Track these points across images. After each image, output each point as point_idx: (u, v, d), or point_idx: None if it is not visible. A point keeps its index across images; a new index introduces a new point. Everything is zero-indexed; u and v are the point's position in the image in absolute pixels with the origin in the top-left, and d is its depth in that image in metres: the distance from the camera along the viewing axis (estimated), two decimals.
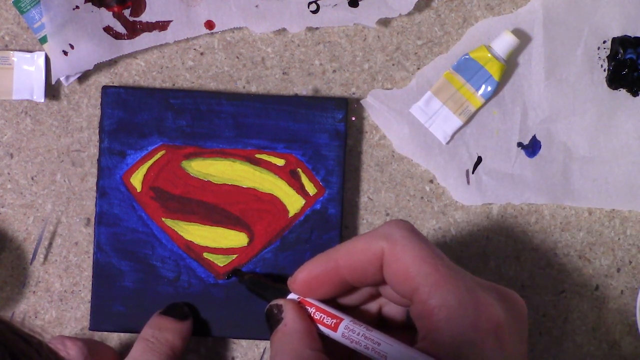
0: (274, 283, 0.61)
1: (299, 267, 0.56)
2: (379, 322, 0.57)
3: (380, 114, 0.75)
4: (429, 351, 0.50)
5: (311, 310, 0.55)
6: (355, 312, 0.57)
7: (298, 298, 0.56)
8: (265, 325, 0.72)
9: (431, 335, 0.50)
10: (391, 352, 0.51)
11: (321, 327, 0.55)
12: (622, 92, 0.75)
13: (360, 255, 0.53)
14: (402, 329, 0.56)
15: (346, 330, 0.53)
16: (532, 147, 0.75)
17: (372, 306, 0.57)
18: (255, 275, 0.69)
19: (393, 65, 0.75)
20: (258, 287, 0.63)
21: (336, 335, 0.54)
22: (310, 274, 0.55)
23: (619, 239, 0.76)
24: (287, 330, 0.54)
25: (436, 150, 0.75)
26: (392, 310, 0.57)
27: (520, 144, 0.75)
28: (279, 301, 0.56)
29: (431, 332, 0.50)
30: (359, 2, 0.73)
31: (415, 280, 0.51)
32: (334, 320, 0.54)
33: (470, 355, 0.49)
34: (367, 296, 0.57)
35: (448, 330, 0.49)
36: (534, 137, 0.75)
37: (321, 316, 0.55)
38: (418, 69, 0.75)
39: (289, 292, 0.57)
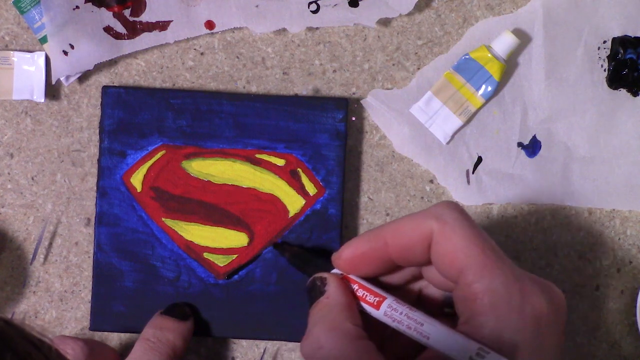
0: (316, 258, 0.61)
1: (345, 243, 0.56)
2: (417, 305, 0.57)
3: (380, 114, 0.75)
4: (470, 335, 0.50)
5: (354, 287, 0.55)
6: (395, 292, 0.56)
7: (341, 274, 0.56)
8: (266, 326, 0.73)
9: (474, 319, 0.50)
10: (434, 333, 0.51)
11: (363, 305, 0.55)
12: (622, 92, 0.75)
13: (409, 233, 0.53)
14: (440, 316, 0.56)
15: (389, 309, 0.53)
16: (532, 147, 0.75)
17: (413, 287, 0.57)
18: (298, 249, 0.69)
19: (393, 65, 0.75)
20: (300, 261, 0.63)
21: (378, 314, 0.54)
22: (356, 251, 0.55)
23: (619, 239, 0.76)
24: (330, 302, 0.54)
25: (436, 150, 0.75)
26: (432, 293, 0.57)
27: (520, 144, 0.75)
28: (324, 274, 0.56)
29: (474, 315, 0.50)
30: (359, 2, 0.73)
31: (462, 263, 0.51)
32: (377, 299, 0.54)
33: (512, 343, 0.49)
34: (408, 277, 0.57)
35: (492, 315, 0.50)
36: (534, 137, 0.75)
37: (364, 293, 0.55)
38: (418, 69, 0.75)
39: (331, 267, 0.57)
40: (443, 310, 0.56)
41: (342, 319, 0.53)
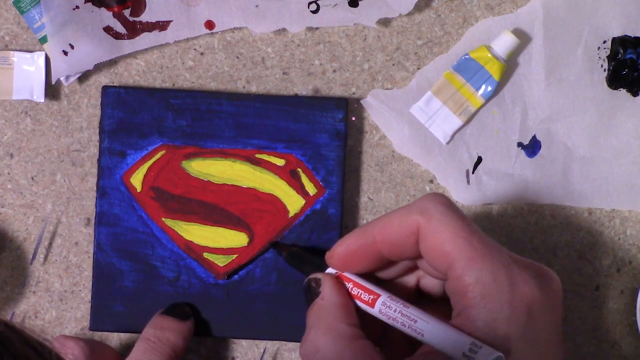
0: (313, 257, 0.61)
1: (337, 242, 0.56)
2: (417, 294, 0.57)
3: (380, 114, 0.75)
4: (463, 328, 0.50)
5: (349, 285, 0.55)
6: (393, 285, 0.56)
7: (336, 273, 0.56)
8: (266, 326, 0.73)
9: (466, 311, 0.50)
10: (427, 329, 0.51)
11: (359, 303, 0.55)
12: (622, 92, 0.75)
13: (396, 229, 0.53)
14: (440, 301, 0.56)
15: (383, 307, 0.53)
16: (532, 147, 0.75)
17: (410, 278, 0.57)
18: (294, 248, 0.69)
19: (393, 65, 0.75)
20: (297, 261, 0.63)
21: (373, 311, 0.54)
22: (347, 249, 0.55)
23: (619, 239, 0.76)
24: (324, 304, 0.54)
25: (436, 150, 0.75)
26: (430, 282, 0.57)
27: (520, 144, 0.75)
28: (318, 275, 0.56)
29: (466, 308, 0.50)
30: (359, 2, 0.73)
31: (450, 256, 0.51)
32: (372, 296, 0.54)
33: (505, 334, 0.49)
34: (405, 269, 0.57)
35: (483, 307, 0.50)
36: (534, 137, 0.75)
37: (359, 292, 0.55)
38: (418, 69, 0.75)
39: (327, 266, 0.57)
40: (443, 296, 0.56)
41: (338, 321, 0.53)
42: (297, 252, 0.66)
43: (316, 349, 0.52)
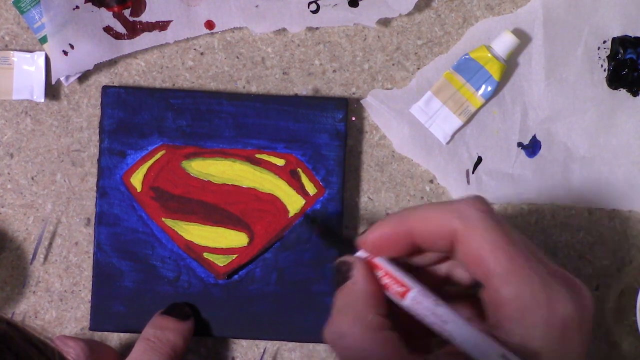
0: (344, 235, 0.60)
1: (371, 226, 0.55)
2: (447, 283, 0.57)
3: (380, 114, 0.75)
4: (499, 340, 0.50)
5: (379, 273, 0.54)
6: (424, 272, 0.56)
7: (368, 256, 0.55)
8: (266, 326, 0.73)
9: (502, 324, 0.50)
10: (459, 334, 0.51)
11: (388, 293, 0.54)
12: (622, 92, 0.75)
13: (433, 228, 0.52)
14: (469, 294, 0.55)
15: (413, 302, 0.53)
16: (532, 147, 0.75)
17: (441, 267, 0.57)
18: (327, 226, 0.69)
19: (393, 65, 0.75)
20: (330, 237, 0.63)
21: (403, 304, 0.53)
22: (382, 234, 0.54)
23: (619, 239, 0.76)
24: (355, 289, 0.54)
25: (436, 150, 0.75)
26: (461, 274, 0.56)
27: (520, 144, 0.75)
28: (350, 258, 0.55)
29: (502, 321, 0.50)
30: (359, 2, 0.73)
31: (488, 267, 0.50)
32: (402, 289, 0.53)
33: (537, 348, 0.49)
34: (437, 258, 0.56)
35: (518, 323, 0.50)
36: (534, 137, 0.75)
37: (389, 281, 0.54)
38: (418, 69, 0.75)
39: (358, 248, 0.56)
40: (473, 289, 0.55)
41: (366, 309, 0.53)
42: (330, 228, 0.66)
43: (341, 334, 0.52)
